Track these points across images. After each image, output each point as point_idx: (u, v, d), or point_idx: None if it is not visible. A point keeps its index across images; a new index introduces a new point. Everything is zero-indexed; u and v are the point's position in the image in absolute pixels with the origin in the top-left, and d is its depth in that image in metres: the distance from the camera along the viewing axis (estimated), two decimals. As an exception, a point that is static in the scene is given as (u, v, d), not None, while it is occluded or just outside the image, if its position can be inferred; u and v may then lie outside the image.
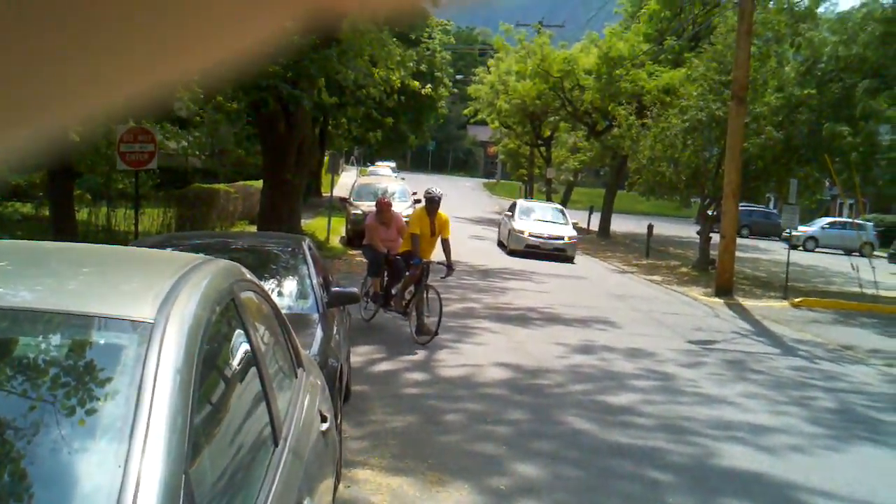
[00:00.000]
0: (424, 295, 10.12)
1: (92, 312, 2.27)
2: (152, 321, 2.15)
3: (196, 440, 1.97)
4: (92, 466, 1.85)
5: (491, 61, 40.34)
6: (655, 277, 20.19)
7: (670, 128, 21.43)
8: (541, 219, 23.04)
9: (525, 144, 42.74)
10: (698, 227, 23.01)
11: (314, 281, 6.45)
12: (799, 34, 21.52)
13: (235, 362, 2.72)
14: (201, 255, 3.10)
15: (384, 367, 8.83)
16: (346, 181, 37.06)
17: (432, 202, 10.30)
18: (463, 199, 41.09)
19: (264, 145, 17.41)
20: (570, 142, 40.07)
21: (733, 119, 17.09)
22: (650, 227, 26.26)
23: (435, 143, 78.04)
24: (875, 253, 28.59)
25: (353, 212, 20.17)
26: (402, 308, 10.38)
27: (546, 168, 39.36)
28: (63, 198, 13.61)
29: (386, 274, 10.64)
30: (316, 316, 6.03)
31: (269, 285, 5.96)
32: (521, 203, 25.13)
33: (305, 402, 3.43)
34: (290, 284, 6.54)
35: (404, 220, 11.25)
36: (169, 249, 5.76)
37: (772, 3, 22.33)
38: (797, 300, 17.17)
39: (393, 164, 54.90)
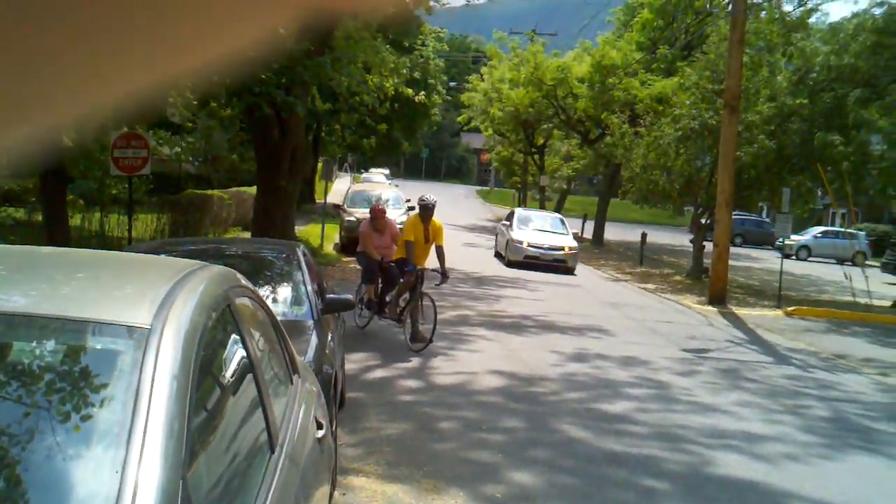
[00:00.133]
0: (419, 302, 10.11)
1: (88, 318, 2.25)
2: (149, 327, 2.13)
3: (193, 446, 1.95)
4: (89, 472, 1.83)
5: (484, 69, 40.42)
6: (649, 286, 20.22)
7: (663, 136, 21.47)
8: (540, 228, 22.39)
9: (518, 152, 42.82)
10: (691, 236, 23.03)
11: (309, 288, 6.43)
12: (791, 44, 21.63)
13: (232, 368, 2.70)
14: (197, 260, 3.08)
15: (379, 374, 8.80)
16: (339, 188, 37.04)
17: (426, 209, 10.29)
18: (456, 207, 41.11)
19: (258, 152, 17.39)
20: (563, 150, 40.18)
21: (726, 128, 17.15)
22: (643, 236, 26.30)
23: (428, 150, 78.03)
24: (867, 262, 28.64)
25: (347, 219, 20.16)
26: (396, 315, 10.36)
27: (539, 176, 39.44)
28: (56, 203, 13.55)
29: (380, 281, 10.62)
30: (311, 323, 6.01)
31: (263, 292, 5.93)
32: (520, 212, 24.49)
33: (301, 409, 3.41)
34: (285, 291, 6.52)
35: (398, 227, 11.24)
36: (163, 255, 5.73)
37: (764, 12, 22.42)
38: (790, 309, 17.21)
39: (387, 171, 54.91)
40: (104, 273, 2.90)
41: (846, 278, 18.01)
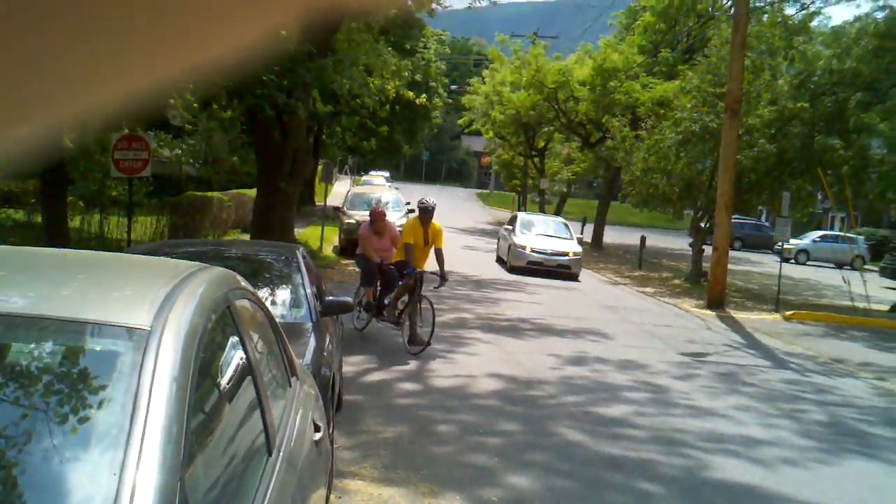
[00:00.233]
0: (417, 305, 10.12)
1: (87, 319, 2.26)
2: (148, 328, 2.14)
3: (191, 448, 1.96)
4: (87, 474, 1.84)
5: (486, 72, 40.45)
6: (648, 289, 20.23)
7: (664, 140, 21.48)
8: (543, 233, 21.78)
9: (519, 155, 42.81)
10: (691, 240, 23.02)
11: (307, 290, 6.44)
12: (793, 47, 21.66)
13: (231, 371, 2.72)
14: (196, 262, 3.09)
15: (377, 376, 8.81)
16: (339, 190, 37.04)
17: (426, 212, 10.31)
18: (456, 210, 41.10)
19: (258, 154, 17.41)
20: (563, 153, 40.17)
21: (727, 131, 17.17)
22: (643, 239, 26.29)
23: (429, 153, 78.05)
24: (866, 266, 28.67)
25: (347, 221, 20.17)
26: (394, 318, 10.37)
27: (539, 179, 39.43)
28: (56, 205, 13.56)
29: (379, 283, 10.63)
30: (309, 325, 6.02)
31: (262, 294, 5.94)
32: (522, 216, 23.74)
33: (299, 412, 3.43)
34: (284, 293, 6.53)
35: (398, 229, 11.26)
36: (162, 257, 5.74)
37: (766, 16, 22.45)
38: (789, 313, 17.22)
39: (387, 174, 54.86)
40: (104, 274, 2.91)
41: (845, 282, 18.02)
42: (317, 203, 33.12)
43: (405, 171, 77.84)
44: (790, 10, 23.58)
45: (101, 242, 15.73)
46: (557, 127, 35.66)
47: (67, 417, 1.96)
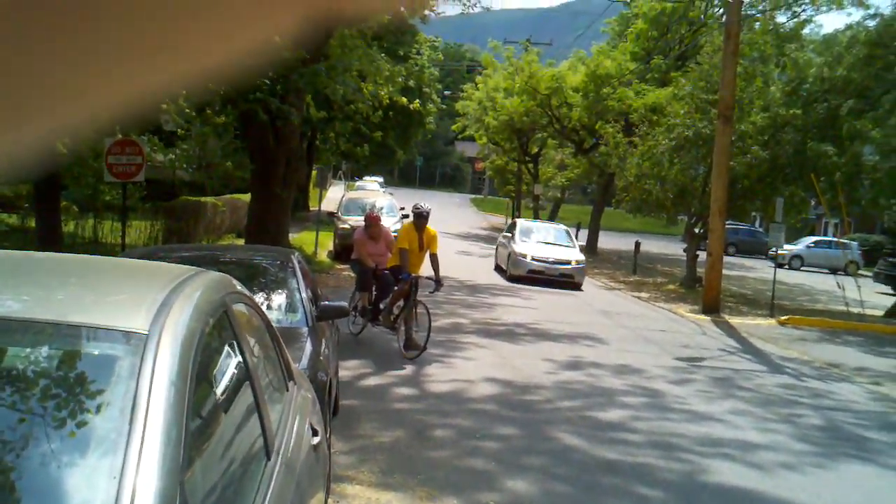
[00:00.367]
0: (413, 310, 10.10)
1: (85, 323, 2.24)
2: (146, 332, 2.13)
3: (190, 453, 1.94)
4: (87, 479, 1.82)
5: (479, 78, 40.50)
6: (643, 294, 20.25)
7: (657, 146, 21.53)
8: (544, 241, 20.98)
9: (513, 161, 42.85)
10: (685, 245, 23.04)
11: (303, 295, 6.42)
12: (785, 55, 21.77)
13: (228, 375, 2.70)
14: (193, 266, 3.07)
15: (373, 381, 8.79)
16: (333, 196, 37.03)
17: (420, 217, 10.30)
18: (450, 215, 41.13)
19: (252, 159, 17.39)
20: (557, 159, 40.26)
21: (720, 138, 17.22)
22: (637, 245, 26.35)
23: (422, 158, 78.17)
24: (860, 272, 28.81)
25: (341, 226, 20.15)
26: (390, 323, 10.36)
27: (533, 184, 39.49)
28: (49, 209, 13.52)
29: (374, 288, 10.62)
30: (305, 330, 6.01)
31: (258, 299, 5.92)
32: (522, 223, 23.00)
33: (297, 416, 3.41)
34: (280, 298, 6.51)
35: (393, 234, 11.24)
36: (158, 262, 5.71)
37: (758, 24, 22.55)
38: (783, 318, 17.26)
39: (381, 179, 54.93)
40: (101, 278, 2.89)
41: (839, 288, 18.08)
42: (311, 208, 33.08)
43: (399, 177, 77.90)
44: (782, 18, 23.77)
45: (96, 247, 15.69)
46: (551, 133, 35.74)
47: (66, 422, 1.94)
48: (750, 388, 10.24)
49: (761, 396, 9.83)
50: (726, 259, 20.54)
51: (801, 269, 35.51)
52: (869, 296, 19.88)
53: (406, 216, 17.61)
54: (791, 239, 33.97)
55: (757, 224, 45.34)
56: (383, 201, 22.82)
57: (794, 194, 20.87)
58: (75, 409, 2.00)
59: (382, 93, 19.34)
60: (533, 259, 19.81)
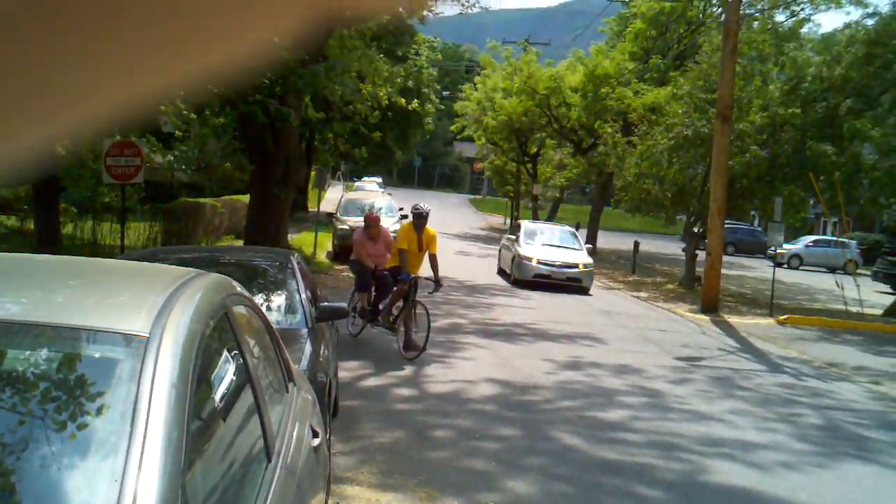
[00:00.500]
0: (412, 310, 10.11)
1: (85, 326, 2.24)
2: (147, 335, 2.13)
3: (191, 455, 1.94)
4: (88, 481, 1.82)
5: (478, 78, 40.50)
6: (642, 294, 20.26)
7: (656, 145, 21.53)
8: (550, 243, 20.18)
9: (511, 161, 42.86)
10: (684, 245, 23.04)
11: (303, 296, 6.42)
12: (783, 54, 21.77)
13: (229, 377, 2.70)
14: (193, 268, 3.07)
15: (372, 382, 8.79)
16: (332, 196, 37.02)
17: (419, 217, 10.31)
18: (449, 215, 41.14)
19: (251, 160, 17.39)
20: (556, 158, 40.26)
21: (718, 137, 17.22)
22: (636, 244, 26.34)
23: (421, 159, 78.14)
24: (859, 271, 28.79)
25: (340, 227, 20.14)
26: (389, 323, 10.36)
27: (532, 185, 39.49)
28: (48, 211, 13.51)
29: (374, 289, 10.62)
30: (305, 331, 6.01)
31: (257, 300, 5.92)
32: (527, 225, 22.18)
33: (297, 417, 3.41)
34: (279, 299, 6.51)
35: (392, 235, 11.24)
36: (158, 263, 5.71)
37: (756, 23, 22.56)
38: (783, 317, 17.26)
39: (379, 180, 54.89)
40: (101, 281, 2.89)
41: (838, 287, 18.08)
42: (310, 209, 33.07)
43: (398, 177, 77.87)
44: (780, 17, 23.76)
45: (94, 249, 15.69)
46: (549, 133, 35.74)
47: (67, 424, 1.94)
48: (749, 388, 10.25)
49: (761, 396, 9.84)
50: (725, 258, 20.53)
51: (800, 268, 35.52)
52: (868, 295, 19.90)
53: (405, 217, 17.61)
54: (790, 238, 34.02)
55: (756, 223, 45.35)
56: (382, 202, 22.82)
57: (793, 193, 20.87)
58: (76, 411, 2.00)
59: (381, 93, 19.35)
60: (539, 262, 19.09)
